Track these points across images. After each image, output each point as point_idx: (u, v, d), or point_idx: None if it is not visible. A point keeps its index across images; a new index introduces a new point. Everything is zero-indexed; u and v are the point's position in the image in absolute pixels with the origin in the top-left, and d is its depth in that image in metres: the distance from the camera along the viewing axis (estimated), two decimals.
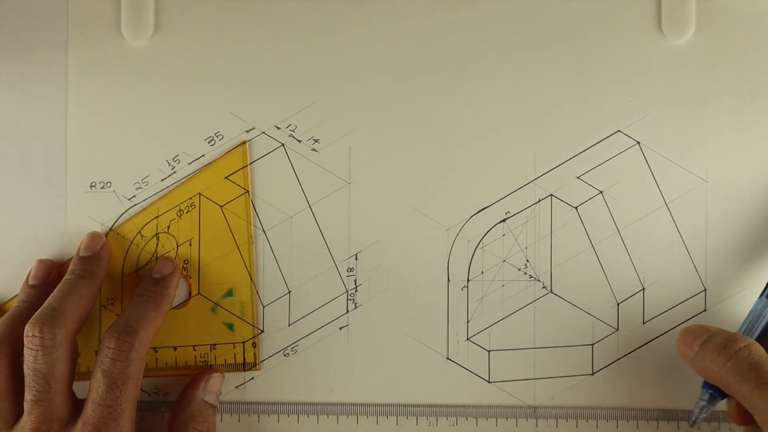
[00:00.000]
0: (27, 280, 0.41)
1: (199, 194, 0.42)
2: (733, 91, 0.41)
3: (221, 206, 0.41)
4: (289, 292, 0.41)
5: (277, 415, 0.41)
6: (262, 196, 0.42)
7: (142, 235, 0.42)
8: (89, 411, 0.35)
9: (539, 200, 0.41)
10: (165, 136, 0.42)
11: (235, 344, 0.41)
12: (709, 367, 0.35)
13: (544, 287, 0.41)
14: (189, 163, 0.42)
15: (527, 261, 0.41)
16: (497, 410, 0.41)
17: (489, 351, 0.41)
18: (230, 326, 0.41)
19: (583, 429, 0.41)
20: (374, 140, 0.41)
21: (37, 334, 0.36)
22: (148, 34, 0.42)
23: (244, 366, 0.41)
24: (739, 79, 0.41)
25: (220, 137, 0.42)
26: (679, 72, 0.41)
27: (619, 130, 0.41)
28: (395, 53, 0.41)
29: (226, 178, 0.42)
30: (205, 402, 0.39)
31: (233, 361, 0.41)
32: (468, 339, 0.41)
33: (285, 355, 0.41)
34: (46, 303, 0.37)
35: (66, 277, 0.39)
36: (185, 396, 0.40)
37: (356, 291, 0.41)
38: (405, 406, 0.41)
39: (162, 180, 0.42)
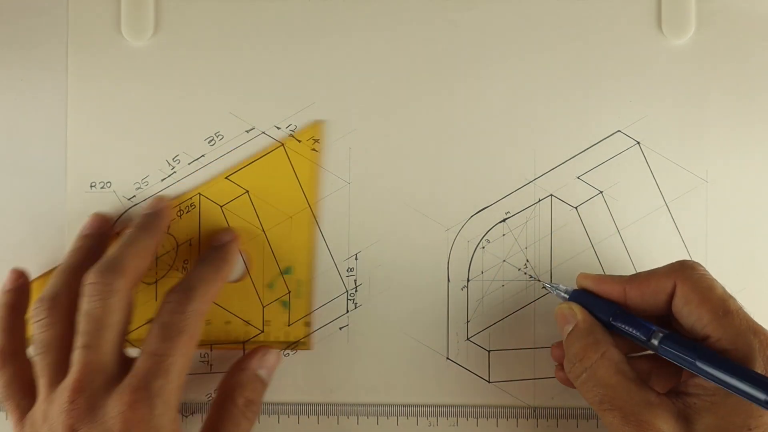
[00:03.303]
0: (80, 233, 0.40)
1: (200, 194, 0.42)
2: (733, 91, 0.41)
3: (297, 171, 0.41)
4: (289, 292, 0.41)
5: (277, 416, 0.41)
6: (262, 196, 0.42)
7: None
8: (140, 361, 0.35)
9: (539, 200, 0.41)
10: (165, 136, 0.42)
11: (290, 323, 0.41)
12: (566, 369, 0.36)
13: (544, 287, 0.41)
14: (189, 163, 0.42)
15: (527, 261, 0.41)
16: (497, 410, 0.41)
17: (489, 351, 0.41)
18: (284, 303, 0.41)
19: (584, 429, 0.41)
20: (374, 140, 0.41)
21: (94, 281, 0.35)
22: (148, 34, 0.42)
23: (295, 344, 0.41)
24: (739, 79, 0.41)
25: (220, 137, 0.42)
26: (679, 72, 0.41)
27: (619, 130, 0.41)
28: (395, 53, 0.41)
29: (226, 178, 0.42)
30: (257, 374, 0.39)
31: (285, 339, 0.41)
32: (468, 339, 0.41)
33: (285, 355, 0.41)
34: (106, 254, 0.37)
35: (127, 230, 0.39)
36: (239, 364, 0.39)
37: (356, 291, 0.41)
38: (405, 406, 0.41)
39: (162, 180, 0.42)
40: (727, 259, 0.41)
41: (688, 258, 0.40)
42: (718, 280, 0.35)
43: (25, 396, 0.37)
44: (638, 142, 0.41)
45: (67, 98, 0.42)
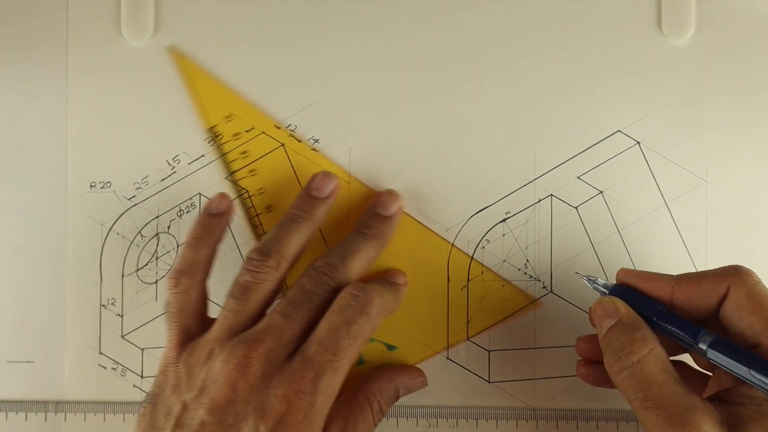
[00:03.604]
0: (307, 188, 0.40)
1: (200, 194, 0.42)
2: (733, 91, 0.41)
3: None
4: None
5: None
6: (261, 195, 0.42)
7: (142, 235, 0.42)
8: (313, 350, 0.34)
9: (539, 200, 0.41)
10: (165, 136, 0.42)
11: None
12: (607, 364, 0.35)
13: (544, 287, 0.41)
14: (189, 163, 0.42)
15: (527, 261, 0.41)
16: (497, 411, 0.41)
17: (489, 351, 0.41)
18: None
19: (583, 429, 0.41)
20: (374, 140, 0.41)
21: (328, 273, 0.36)
22: (148, 34, 0.42)
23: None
24: (739, 79, 0.41)
25: (221, 137, 0.42)
26: (679, 72, 0.41)
27: (619, 130, 0.41)
28: (395, 53, 0.41)
29: (226, 178, 0.42)
30: (398, 391, 0.39)
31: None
32: (468, 339, 0.41)
33: None
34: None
35: (359, 229, 0.39)
36: (388, 374, 0.39)
37: None
38: (405, 407, 0.41)
39: (162, 180, 0.42)
40: (727, 259, 0.40)
41: (688, 257, 0.40)
42: None
43: (195, 323, 0.37)
44: (638, 142, 0.41)
45: (67, 98, 0.42)
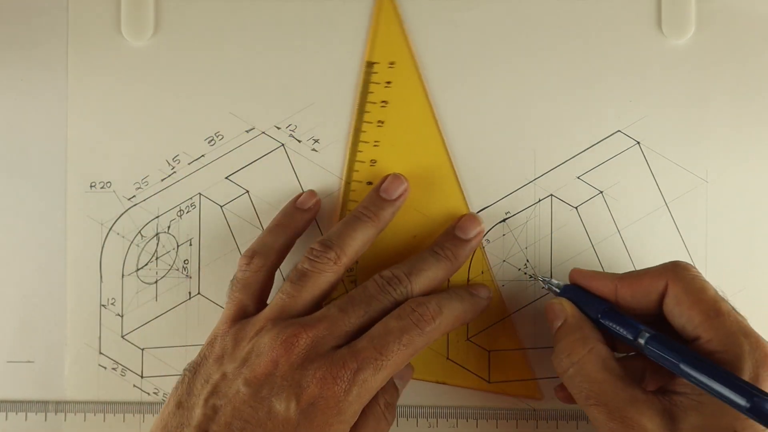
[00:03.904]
0: (377, 188, 0.40)
1: (200, 194, 0.42)
2: (733, 91, 0.41)
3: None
4: None
5: None
6: (262, 196, 0.42)
7: (142, 235, 0.42)
8: (362, 343, 0.35)
9: (539, 200, 0.41)
10: (165, 136, 0.42)
11: None
12: (553, 364, 0.36)
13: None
14: (189, 163, 0.42)
15: (527, 261, 0.41)
16: (497, 411, 0.41)
17: (489, 351, 0.41)
18: None
19: (584, 429, 0.41)
20: (374, 140, 0.41)
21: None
22: (148, 34, 0.42)
23: None
24: (739, 79, 0.41)
25: (220, 137, 0.42)
26: (679, 72, 0.41)
27: (619, 130, 0.41)
28: (395, 53, 0.41)
29: (226, 178, 0.42)
30: (395, 383, 0.39)
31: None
32: (468, 339, 0.41)
33: None
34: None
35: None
36: None
37: None
38: (405, 407, 0.41)
39: (162, 180, 0.42)
40: (727, 259, 0.41)
41: (688, 257, 0.40)
42: (720, 280, 0.35)
43: (253, 303, 0.38)
44: (638, 142, 0.41)
45: (67, 98, 0.42)
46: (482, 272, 0.41)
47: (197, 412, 0.34)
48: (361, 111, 0.41)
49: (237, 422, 0.33)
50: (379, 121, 0.41)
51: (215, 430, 0.33)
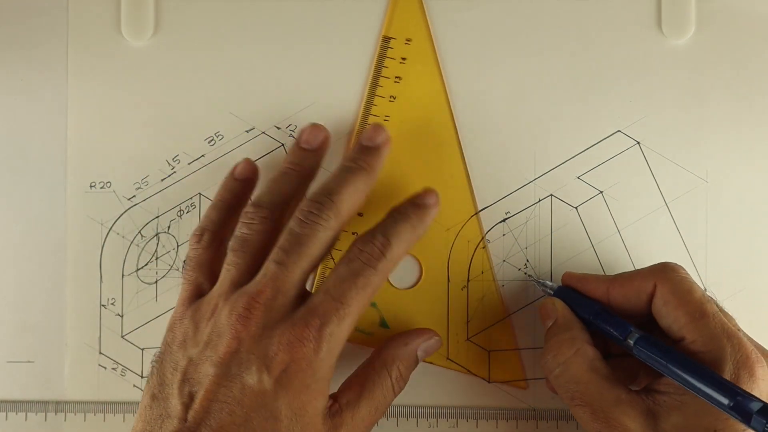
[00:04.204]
0: (297, 142, 0.40)
1: (200, 194, 0.42)
2: (733, 91, 0.41)
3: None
4: None
5: None
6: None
7: (142, 235, 0.42)
8: (318, 299, 0.34)
9: (539, 200, 0.41)
10: (165, 136, 0.42)
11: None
12: (541, 364, 0.37)
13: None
14: (189, 163, 0.42)
15: (527, 261, 0.41)
16: (497, 411, 0.41)
17: (489, 351, 0.41)
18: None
19: (583, 430, 0.41)
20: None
21: (314, 211, 0.35)
22: (148, 34, 0.42)
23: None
24: (739, 79, 0.41)
25: (220, 137, 0.42)
26: (679, 72, 0.41)
27: (619, 130, 0.41)
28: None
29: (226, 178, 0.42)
30: (417, 354, 0.38)
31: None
32: (468, 339, 0.41)
33: None
34: (324, 186, 0.37)
35: (345, 163, 0.38)
36: (403, 339, 0.38)
37: None
38: (405, 407, 0.41)
39: (162, 180, 0.42)
40: (727, 259, 0.41)
41: (688, 257, 0.40)
42: (720, 280, 0.35)
43: (207, 281, 0.38)
44: (638, 142, 0.41)
45: (67, 98, 0.42)
46: (482, 272, 0.41)
47: (173, 402, 0.34)
48: (374, 84, 0.41)
49: (214, 405, 0.33)
50: (391, 96, 0.41)
51: (194, 417, 0.33)
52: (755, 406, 0.30)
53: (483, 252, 0.41)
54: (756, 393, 0.32)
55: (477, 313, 0.41)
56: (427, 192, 0.38)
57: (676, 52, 0.41)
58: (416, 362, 0.38)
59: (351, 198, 0.36)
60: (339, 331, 0.34)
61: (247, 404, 0.33)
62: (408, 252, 0.37)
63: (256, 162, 0.41)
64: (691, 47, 0.41)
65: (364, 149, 0.38)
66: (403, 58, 0.41)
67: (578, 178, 0.41)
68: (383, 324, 0.41)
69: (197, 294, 0.37)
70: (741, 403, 0.30)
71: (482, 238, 0.41)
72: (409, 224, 0.37)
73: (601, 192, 0.41)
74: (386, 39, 0.41)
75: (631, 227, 0.41)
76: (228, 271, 0.36)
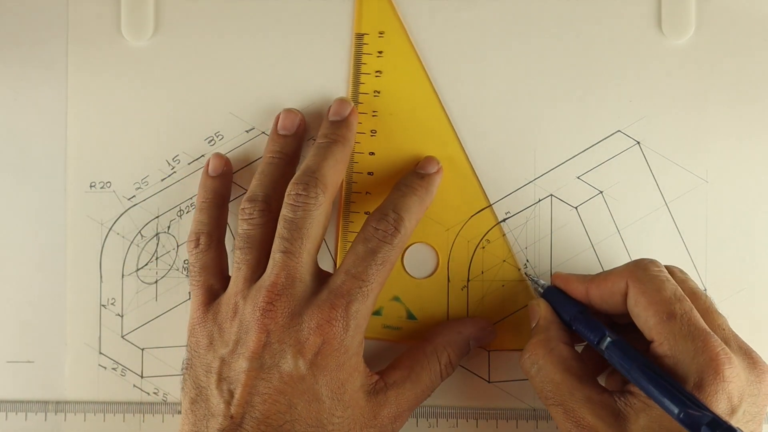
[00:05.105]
0: (275, 130, 0.40)
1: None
2: (733, 92, 0.41)
3: None
4: None
5: None
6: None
7: (142, 235, 0.42)
8: (340, 279, 0.35)
9: (539, 200, 0.41)
10: (165, 136, 0.42)
11: None
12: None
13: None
14: (189, 163, 0.42)
15: (527, 261, 0.41)
16: (497, 411, 0.41)
17: (488, 351, 0.41)
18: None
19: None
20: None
21: (301, 192, 0.36)
22: (148, 34, 0.42)
23: None
24: (739, 79, 0.41)
25: (220, 137, 0.42)
26: (679, 72, 0.41)
27: (619, 130, 0.41)
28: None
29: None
30: (469, 343, 0.39)
31: None
32: None
33: None
34: (304, 166, 0.37)
35: (318, 141, 0.39)
36: (456, 326, 0.39)
37: None
38: None
39: (162, 180, 0.42)
40: (727, 259, 0.41)
41: (688, 257, 0.40)
42: (720, 280, 0.35)
43: (217, 281, 0.38)
44: (638, 142, 0.41)
45: (67, 98, 0.42)
46: (482, 272, 0.41)
47: (215, 401, 0.35)
48: (356, 82, 0.41)
49: (256, 398, 0.34)
50: (375, 91, 0.41)
51: (237, 411, 0.34)
52: (705, 419, 0.29)
53: (483, 252, 0.41)
54: (723, 395, 0.31)
55: (477, 313, 0.41)
56: (429, 160, 0.40)
57: (676, 52, 0.41)
58: (468, 351, 0.39)
59: (332, 170, 0.37)
60: (364, 308, 0.35)
61: (289, 392, 0.34)
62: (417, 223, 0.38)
63: (256, 162, 0.41)
64: (691, 47, 0.41)
65: (334, 123, 0.39)
66: (380, 52, 0.41)
67: (578, 178, 0.41)
68: (410, 316, 0.41)
69: (210, 295, 0.38)
70: (691, 416, 0.30)
71: (482, 238, 0.41)
72: (417, 196, 0.38)
73: (601, 192, 0.41)
74: (359, 36, 0.41)
75: (631, 227, 0.41)
76: (239, 269, 0.37)
